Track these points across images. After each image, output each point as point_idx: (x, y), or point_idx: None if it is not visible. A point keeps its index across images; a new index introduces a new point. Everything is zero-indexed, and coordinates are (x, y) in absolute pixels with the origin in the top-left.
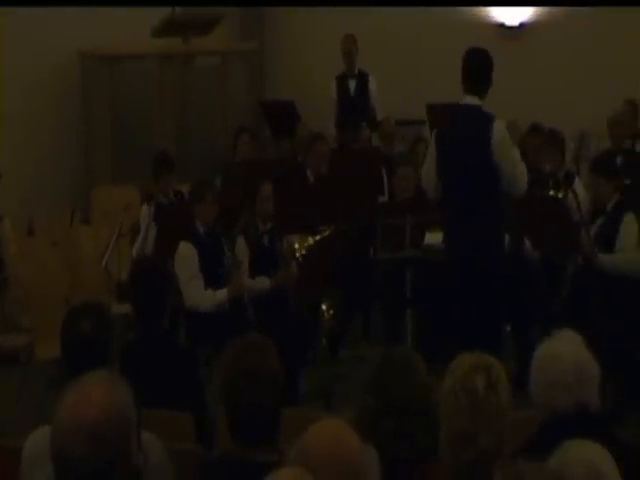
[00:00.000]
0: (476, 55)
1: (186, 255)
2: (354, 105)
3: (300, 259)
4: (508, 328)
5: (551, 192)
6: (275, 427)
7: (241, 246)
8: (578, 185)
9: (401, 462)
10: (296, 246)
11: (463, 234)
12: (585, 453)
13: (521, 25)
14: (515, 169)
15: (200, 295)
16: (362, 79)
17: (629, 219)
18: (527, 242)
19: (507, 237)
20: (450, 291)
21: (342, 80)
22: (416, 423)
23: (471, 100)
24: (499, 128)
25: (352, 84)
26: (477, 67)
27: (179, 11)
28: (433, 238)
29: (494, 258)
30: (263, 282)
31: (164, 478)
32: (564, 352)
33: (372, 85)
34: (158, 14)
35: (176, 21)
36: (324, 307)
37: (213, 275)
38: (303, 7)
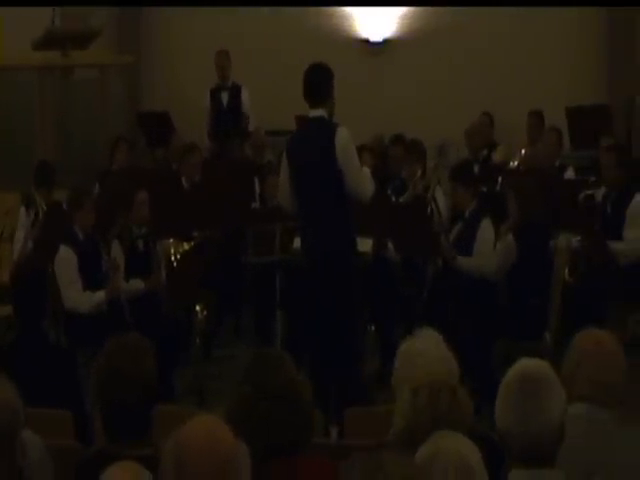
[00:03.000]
0: (315, 71)
1: (66, 259)
2: (226, 117)
3: (175, 263)
4: (372, 327)
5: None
6: (146, 423)
7: (116, 250)
8: (438, 192)
9: (271, 456)
10: (172, 251)
11: (315, 238)
12: (454, 444)
13: (385, 41)
14: (358, 174)
15: (79, 297)
16: (235, 91)
17: (485, 224)
18: (390, 245)
19: (370, 240)
20: (310, 293)
21: (215, 92)
22: (290, 410)
23: (316, 113)
24: (342, 135)
25: (225, 96)
26: (317, 82)
27: (58, 25)
28: None
29: (345, 260)
30: (137, 284)
31: (44, 474)
32: (425, 350)
33: (244, 96)
34: (37, 26)
35: (56, 35)
36: (198, 308)
37: (91, 278)
38: (178, 22)
